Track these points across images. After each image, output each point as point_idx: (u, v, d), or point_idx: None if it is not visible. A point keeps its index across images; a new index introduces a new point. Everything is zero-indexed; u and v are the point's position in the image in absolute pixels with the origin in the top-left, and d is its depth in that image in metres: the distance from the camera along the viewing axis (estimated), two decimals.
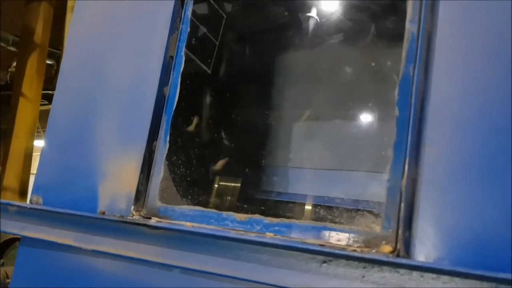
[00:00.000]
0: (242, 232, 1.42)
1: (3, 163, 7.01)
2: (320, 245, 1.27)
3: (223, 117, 2.44)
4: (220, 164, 2.29)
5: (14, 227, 1.79)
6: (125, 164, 1.68)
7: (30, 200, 1.86)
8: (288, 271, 1.30)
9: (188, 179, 1.89)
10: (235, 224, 1.46)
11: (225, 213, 1.49)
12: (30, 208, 1.75)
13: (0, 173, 6.90)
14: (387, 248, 1.22)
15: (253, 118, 2.56)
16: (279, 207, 2.29)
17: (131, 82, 1.77)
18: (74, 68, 1.97)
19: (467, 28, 1.29)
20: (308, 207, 2.21)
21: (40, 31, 7.33)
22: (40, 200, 1.84)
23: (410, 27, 1.36)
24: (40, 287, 1.76)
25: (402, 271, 1.16)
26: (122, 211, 1.63)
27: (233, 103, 2.48)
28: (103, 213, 1.66)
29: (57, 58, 8.38)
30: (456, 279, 1.10)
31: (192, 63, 2.17)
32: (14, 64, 8.22)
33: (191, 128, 2.13)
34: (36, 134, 7.35)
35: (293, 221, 1.39)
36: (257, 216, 1.45)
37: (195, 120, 2.17)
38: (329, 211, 2.06)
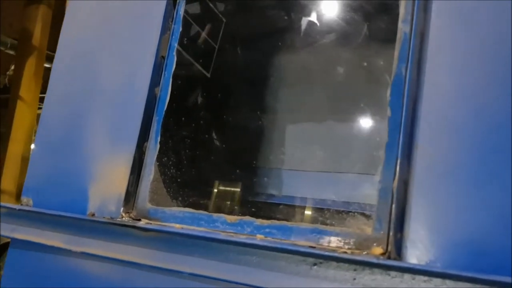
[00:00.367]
0: (232, 234, 1.40)
1: (1, 166, 6.99)
2: (311, 247, 1.26)
3: (215, 119, 2.42)
4: None
5: (4, 229, 1.77)
6: (115, 165, 1.66)
7: (21, 201, 1.84)
8: (278, 274, 1.28)
9: (179, 180, 1.88)
10: (226, 226, 1.45)
11: (215, 215, 1.48)
12: (19, 210, 1.73)
13: None
14: (378, 250, 1.20)
15: (245, 120, 2.55)
16: (271, 209, 2.27)
17: (122, 82, 1.76)
18: (65, 69, 1.95)
19: (460, 28, 1.28)
20: (300, 210, 2.19)
21: (38, 34, 7.31)
22: (31, 202, 1.82)
23: (402, 27, 1.34)
24: None
25: (393, 273, 1.14)
26: (112, 213, 1.61)
27: (224, 105, 2.47)
28: (93, 215, 1.64)
29: None
30: (448, 282, 1.08)
31: (192, 67, 2.17)
32: (13, 67, 8.21)
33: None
34: (34, 137, 7.34)
35: (284, 223, 1.38)
36: (247, 218, 1.43)
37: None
38: (321, 213, 2.05)
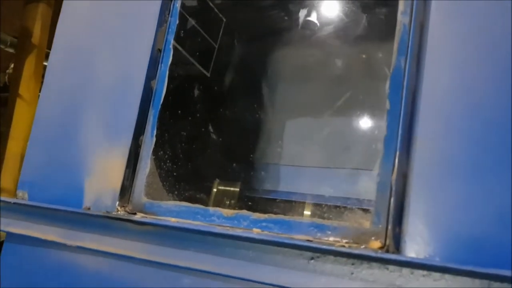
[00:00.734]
0: (228, 228, 1.38)
1: (0, 164, 6.97)
2: (308, 240, 1.24)
3: (212, 112, 2.41)
4: None
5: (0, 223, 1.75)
6: (111, 159, 1.65)
7: (16, 195, 1.82)
8: (275, 268, 1.26)
9: (175, 174, 1.86)
10: (222, 220, 1.43)
11: (211, 209, 1.46)
12: (14, 203, 1.72)
13: None
14: (376, 244, 1.19)
15: (242, 114, 2.53)
16: (269, 205, 2.26)
17: (118, 75, 1.74)
18: (61, 62, 1.94)
19: (460, 20, 1.26)
20: (298, 205, 2.17)
21: (38, 33, 7.29)
22: (26, 196, 1.80)
23: (402, 19, 1.32)
24: (25, 284, 1.72)
25: (391, 267, 1.12)
26: (107, 207, 1.59)
27: (222, 100, 2.46)
28: (88, 208, 1.62)
29: None
30: (447, 276, 1.06)
31: (192, 67, 2.16)
32: (12, 65, 8.19)
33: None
34: None
35: (281, 217, 1.36)
36: (244, 212, 1.41)
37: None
38: (319, 208, 2.03)
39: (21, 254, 1.75)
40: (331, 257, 1.19)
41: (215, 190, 2.32)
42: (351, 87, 2.31)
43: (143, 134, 1.64)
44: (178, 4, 1.73)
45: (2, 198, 1.74)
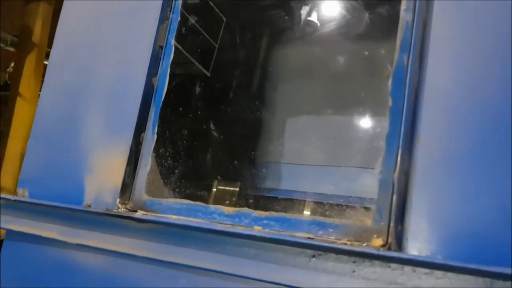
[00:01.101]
0: (229, 226, 1.38)
1: (0, 163, 6.96)
2: (309, 238, 1.23)
3: (213, 111, 2.40)
4: None
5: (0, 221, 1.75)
6: (112, 156, 1.64)
7: (16, 193, 1.82)
8: (276, 266, 1.25)
9: (176, 171, 1.85)
10: (223, 217, 1.42)
11: (212, 207, 1.45)
12: (14, 201, 1.71)
13: None
14: (378, 242, 1.18)
15: (244, 111, 2.52)
16: (270, 203, 2.25)
17: (120, 72, 1.74)
18: (62, 59, 1.93)
19: (463, 16, 1.25)
20: (299, 203, 2.16)
21: (38, 31, 7.29)
22: (26, 193, 1.80)
23: (404, 16, 1.32)
24: (25, 282, 1.71)
25: (393, 265, 1.12)
26: (108, 205, 1.58)
27: (222, 97, 2.45)
28: (89, 206, 1.62)
29: None
30: (450, 274, 1.05)
31: (192, 66, 2.15)
32: (13, 64, 8.18)
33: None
34: None
35: (282, 214, 1.35)
36: (245, 210, 1.40)
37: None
38: (320, 206, 2.02)
39: (21, 251, 1.74)
40: (333, 255, 1.19)
41: (214, 189, 2.32)
42: (352, 85, 2.30)
43: (144, 132, 1.63)
44: (179, 1, 1.72)
45: (3, 196, 1.73)
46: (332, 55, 2.42)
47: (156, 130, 1.61)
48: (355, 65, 2.36)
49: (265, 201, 2.27)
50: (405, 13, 1.32)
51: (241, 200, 2.24)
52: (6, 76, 8.92)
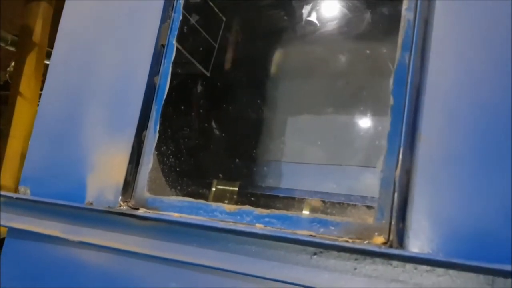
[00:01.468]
0: (231, 223, 1.38)
1: (0, 162, 6.96)
2: (311, 235, 1.24)
3: (214, 110, 2.41)
4: None
5: (1, 218, 1.75)
6: (114, 154, 1.64)
7: (18, 191, 1.82)
8: (277, 263, 1.26)
9: (178, 169, 1.86)
10: (225, 215, 1.43)
11: (214, 204, 1.46)
12: (16, 198, 1.71)
13: None
14: (380, 240, 1.18)
15: (246, 110, 2.53)
16: (271, 202, 2.26)
17: (121, 71, 1.74)
18: (64, 58, 1.94)
19: (465, 15, 1.26)
20: (300, 202, 2.17)
21: (39, 31, 7.29)
22: (28, 191, 1.80)
23: (406, 15, 1.32)
24: (27, 279, 1.72)
25: (395, 263, 1.12)
26: (110, 202, 1.59)
27: (223, 97, 2.45)
28: (91, 204, 1.62)
29: None
30: (451, 271, 1.06)
31: (192, 65, 2.16)
32: (13, 64, 8.18)
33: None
34: None
35: (284, 212, 1.36)
36: (247, 207, 1.41)
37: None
38: (323, 204, 2.03)
39: (23, 249, 1.75)
40: (334, 253, 1.19)
41: (213, 189, 2.32)
42: (353, 84, 2.31)
43: (146, 130, 1.64)
44: (181, 1, 1.73)
45: (4, 193, 1.74)
46: (333, 54, 2.43)
47: (157, 129, 1.62)
48: (356, 64, 2.37)
49: (266, 199, 2.27)
50: (406, 12, 1.32)
51: (242, 198, 2.25)
52: (7, 75, 8.93)
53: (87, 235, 1.57)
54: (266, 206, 1.45)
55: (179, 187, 1.83)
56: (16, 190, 1.83)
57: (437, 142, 1.20)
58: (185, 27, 1.94)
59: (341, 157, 2.22)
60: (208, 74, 2.26)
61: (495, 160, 1.13)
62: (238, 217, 1.40)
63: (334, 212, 1.91)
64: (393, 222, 1.18)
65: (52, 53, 1.98)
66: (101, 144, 1.70)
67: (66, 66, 1.91)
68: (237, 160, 2.38)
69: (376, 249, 1.13)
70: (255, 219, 1.38)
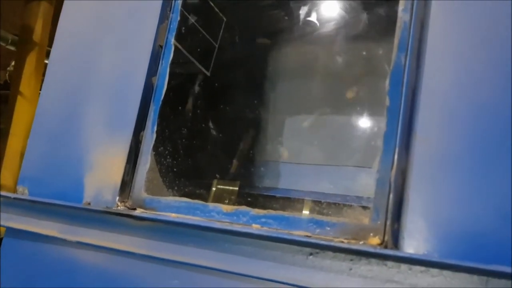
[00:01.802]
0: (228, 224, 1.38)
1: (0, 162, 6.96)
2: (306, 236, 1.24)
3: (213, 109, 2.41)
4: None
5: None
6: (112, 154, 1.65)
7: (16, 190, 1.83)
8: (273, 264, 1.26)
9: (175, 170, 1.86)
10: (222, 215, 1.43)
11: (211, 205, 1.46)
12: (14, 198, 1.72)
13: None
14: (375, 240, 1.19)
15: (243, 110, 2.53)
16: (268, 202, 2.26)
17: (119, 71, 1.75)
18: (62, 59, 1.94)
19: (461, 16, 1.26)
20: (297, 202, 2.17)
21: (39, 30, 7.29)
22: (26, 191, 1.81)
23: (402, 16, 1.33)
24: (25, 279, 1.72)
25: (390, 263, 1.13)
26: (107, 202, 1.59)
27: (222, 97, 2.46)
28: (89, 204, 1.63)
29: None
30: (445, 272, 1.06)
31: (192, 65, 2.16)
32: (13, 63, 8.18)
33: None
34: None
35: (280, 213, 1.36)
36: (243, 208, 1.41)
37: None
38: (318, 205, 2.03)
39: (21, 249, 1.75)
40: (330, 253, 1.20)
41: (214, 189, 2.33)
42: (352, 84, 2.31)
43: (144, 130, 1.64)
44: (179, 1, 1.73)
45: (2, 193, 1.74)
46: (333, 55, 2.43)
47: (155, 129, 1.62)
48: (357, 64, 2.37)
49: (263, 199, 2.28)
50: (403, 13, 1.33)
51: (240, 198, 2.25)
52: (7, 75, 8.93)
53: (84, 235, 1.57)
54: (264, 207, 1.46)
55: (176, 188, 1.83)
56: (15, 190, 1.83)
57: (433, 143, 1.20)
58: (186, 27, 1.95)
59: (339, 158, 2.23)
60: (208, 74, 2.26)
61: (490, 161, 1.13)
62: (235, 217, 1.41)
63: (330, 212, 1.91)
64: (388, 223, 1.19)
65: (51, 52, 1.99)
66: (99, 144, 1.70)
67: (64, 65, 1.92)
68: (233, 160, 2.39)
69: (371, 249, 1.14)
70: (251, 220, 1.38)
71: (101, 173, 1.65)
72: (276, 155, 2.45)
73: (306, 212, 2.08)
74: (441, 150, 1.19)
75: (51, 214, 1.65)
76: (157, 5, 1.72)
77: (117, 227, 1.52)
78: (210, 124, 2.41)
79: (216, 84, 2.41)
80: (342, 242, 1.20)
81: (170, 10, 1.73)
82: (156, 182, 1.72)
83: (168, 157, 1.85)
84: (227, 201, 2.28)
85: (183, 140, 2.09)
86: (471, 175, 1.14)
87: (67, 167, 1.75)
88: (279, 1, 2.42)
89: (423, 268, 1.09)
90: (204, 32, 2.21)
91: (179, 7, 1.72)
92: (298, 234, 1.28)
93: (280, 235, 1.26)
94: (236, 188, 2.33)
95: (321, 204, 2.03)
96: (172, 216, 1.47)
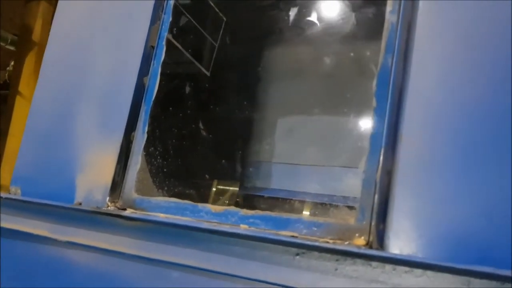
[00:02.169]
0: (216, 224, 1.39)
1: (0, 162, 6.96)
2: (292, 236, 1.25)
3: (203, 110, 2.42)
4: None
5: None
6: (103, 154, 1.66)
7: (9, 190, 1.84)
8: (261, 264, 1.27)
9: (165, 170, 1.87)
10: (210, 216, 1.44)
11: (200, 205, 1.47)
12: (5, 198, 1.73)
13: None
14: (360, 241, 1.19)
15: (233, 111, 2.54)
16: (256, 201, 2.27)
17: (111, 72, 1.76)
18: (55, 59, 1.95)
19: (447, 18, 1.27)
20: (287, 202, 2.18)
21: (39, 30, 7.28)
22: (19, 191, 1.82)
23: (390, 17, 1.33)
24: (17, 279, 1.73)
25: (374, 264, 1.13)
26: (98, 203, 1.60)
27: (213, 98, 2.46)
28: (80, 204, 1.63)
29: None
30: (429, 272, 1.07)
31: (192, 65, 2.17)
32: (12, 63, 8.17)
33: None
34: None
35: (268, 213, 1.37)
36: (232, 208, 1.42)
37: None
38: (307, 205, 2.04)
39: (13, 249, 1.76)
40: (316, 253, 1.20)
41: (214, 189, 2.33)
42: (356, 84, 2.30)
43: (135, 131, 1.65)
44: (171, 2, 1.74)
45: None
46: (333, 55, 2.43)
47: (146, 129, 1.63)
48: (357, 65, 2.36)
49: (252, 199, 2.29)
50: (390, 14, 1.33)
51: (232, 199, 2.26)
52: (6, 75, 8.94)
53: (75, 235, 1.58)
54: (252, 207, 1.46)
55: (166, 188, 1.84)
56: (10, 188, 1.84)
57: (419, 144, 1.21)
58: (185, 27, 1.96)
59: (332, 158, 2.23)
60: (208, 74, 2.27)
61: (475, 163, 1.14)
62: (224, 217, 1.42)
63: (317, 212, 1.92)
64: (373, 223, 1.19)
65: (45, 53, 2.00)
66: (91, 144, 1.71)
67: (57, 66, 1.93)
68: (223, 161, 2.40)
69: (356, 250, 1.15)
70: (240, 220, 1.39)
71: (93, 174, 1.66)
72: (268, 156, 2.45)
73: (306, 213, 2.09)
74: (426, 151, 1.20)
75: (42, 214, 1.66)
76: (149, 6, 1.73)
77: (107, 227, 1.52)
78: (200, 125, 2.41)
79: (215, 85, 2.42)
80: (327, 242, 1.21)
81: (162, 11, 1.74)
82: (146, 182, 1.73)
83: (158, 157, 1.85)
84: (227, 202, 2.28)
85: (174, 140, 2.10)
86: (456, 176, 1.15)
87: (60, 167, 1.76)
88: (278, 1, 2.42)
89: (407, 269, 1.10)
90: (204, 32, 2.22)
91: (171, 7, 1.73)
92: (285, 234, 1.28)
93: (266, 236, 1.27)
94: (236, 188, 2.34)
95: (321, 204, 2.03)
96: (162, 216, 1.47)
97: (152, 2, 1.73)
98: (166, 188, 1.83)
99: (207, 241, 1.36)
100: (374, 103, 1.29)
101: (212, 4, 2.25)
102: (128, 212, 1.52)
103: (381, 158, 1.23)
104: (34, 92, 1.96)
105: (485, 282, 1.01)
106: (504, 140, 1.12)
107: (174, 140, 2.07)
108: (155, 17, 1.73)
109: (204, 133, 2.39)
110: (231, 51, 2.53)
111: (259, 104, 2.61)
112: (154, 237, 1.45)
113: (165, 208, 1.51)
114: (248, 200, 2.28)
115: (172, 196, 1.60)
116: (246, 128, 2.54)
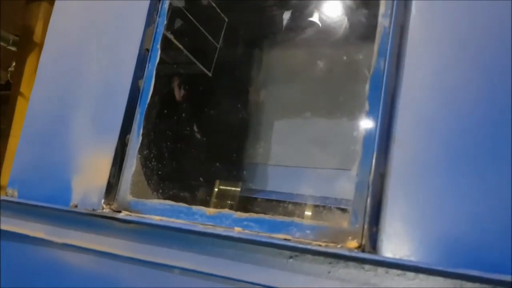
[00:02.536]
0: (210, 227, 1.40)
1: (1, 162, 6.97)
2: (285, 239, 1.25)
3: (198, 112, 2.42)
4: None
5: None
6: (98, 157, 1.66)
7: (6, 193, 1.84)
8: (254, 266, 1.28)
9: (160, 173, 1.88)
10: (205, 218, 1.44)
11: (195, 208, 1.47)
12: (2, 200, 1.74)
13: None
14: (353, 244, 1.20)
15: (229, 114, 2.54)
16: (251, 204, 2.27)
17: (106, 74, 1.76)
18: (52, 61, 1.96)
19: (440, 22, 1.27)
20: (280, 204, 2.18)
21: (40, 31, 7.27)
22: (16, 193, 1.82)
23: (382, 21, 1.33)
24: (13, 280, 1.74)
25: (367, 267, 1.14)
26: (93, 205, 1.61)
27: (207, 100, 2.47)
28: (76, 206, 1.64)
29: None
30: (421, 276, 1.07)
31: (193, 66, 2.17)
32: (14, 64, 8.18)
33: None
34: None
35: (261, 216, 1.37)
36: (226, 211, 1.43)
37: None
38: (302, 208, 2.04)
39: (10, 251, 1.76)
40: (309, 256, 1.21)
41: (216, 190, 2.34)
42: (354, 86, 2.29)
43: (130, 133, 1.65)
44: (166, 4, 1.74)
45: None
46: (333, 57, 2.42)
47: (141, 132, 1.63)
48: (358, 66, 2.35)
49: (245, 201, 2.29)
50: (382, 18, 1.33)
51: (223, 200, 2.27)
52: (8, 75, 8.95)
53: (70, 237, 1.59)
54: (245, 209, 1.47)
55: (161, 190, 1.84)
56: (6, 190, 1.85)
57: (411, 147, 1.21)
58: (186, 28, 1.96)
59: (320, 160, 2.23)
60: (210, 74, 2.27)
61: (467, 166, 1.14)
62: (218, 220, 1.42)
63: (310, 215, 1.92)
64: (366, 226, 1.20)
65: (41, 54, 2.01)
66: (86, 146, 1.72)
67: (53, 68, 1.94)
68: (216, 163, 2.40)
69: (348, 253, 1.15)
70: (234, 223, 1.39)
71: (88, 176, 1.67)
72: (262, 158, 2.45)
73: (308, 213, 2.09)
74: (419, 154, 1.20)
75: (39, 216, 1.67)
76: (144, 9, 1.74)
77: (103, 229, 1.53)
78: (193, 127, 2.41)
79: (215, 86, 2.42)
80: (320, 245, 1.21)
81: (156, 14, 1.74)
82: (141, 185, 1.73)
83: (154, 160, 1.86)
84: (229, 202, 2.29)
85: (168, 143, 2.10)
86: (448, 180, 1.15)
87: (56, 169, 1.76)
88: (278, 1, 2.42)
89: (399, 272, 1.10)
90: (206, 33, 2.22)
91: (166, 10, 1.73)
92: (278, 237, 1.29)
93: (260, 238, 1.27)
94: (238, 189, 2.34)
95: (305, 206, 2.04)
96: (156, 219, 1.48)
97: (147, 5, 1.73)
98: (161, 191, 1.84)
99: (201, 243, 1.36)
100: (366, 106, 1.29)
101: (214, 5, 2.25)
102: (123, 215, 1.52)
103: (374, 161, 1.23)
104: (31, 94, 1.97)
105: (477, 285, 1.01)
106: (496, 144, 1.12)
107: (169, 143, 2.08)
108: (150, 20, 1.74)
109: (198, 135, 2.39)
110: (231, 52, 2.53)
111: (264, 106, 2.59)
112: (148, 240, 1.45)
113: (160, 211, 1.51)
114: (244, 202, 2.28)
115: (167, 198, 1.60)
116: (246, 129, 2.55)
